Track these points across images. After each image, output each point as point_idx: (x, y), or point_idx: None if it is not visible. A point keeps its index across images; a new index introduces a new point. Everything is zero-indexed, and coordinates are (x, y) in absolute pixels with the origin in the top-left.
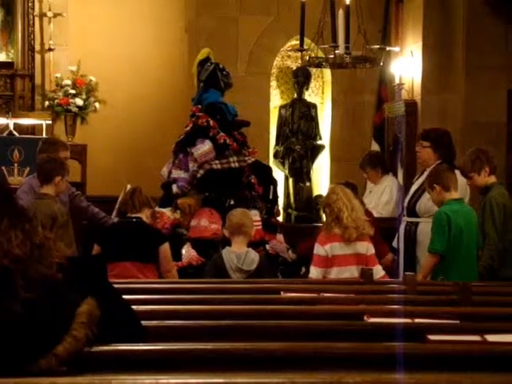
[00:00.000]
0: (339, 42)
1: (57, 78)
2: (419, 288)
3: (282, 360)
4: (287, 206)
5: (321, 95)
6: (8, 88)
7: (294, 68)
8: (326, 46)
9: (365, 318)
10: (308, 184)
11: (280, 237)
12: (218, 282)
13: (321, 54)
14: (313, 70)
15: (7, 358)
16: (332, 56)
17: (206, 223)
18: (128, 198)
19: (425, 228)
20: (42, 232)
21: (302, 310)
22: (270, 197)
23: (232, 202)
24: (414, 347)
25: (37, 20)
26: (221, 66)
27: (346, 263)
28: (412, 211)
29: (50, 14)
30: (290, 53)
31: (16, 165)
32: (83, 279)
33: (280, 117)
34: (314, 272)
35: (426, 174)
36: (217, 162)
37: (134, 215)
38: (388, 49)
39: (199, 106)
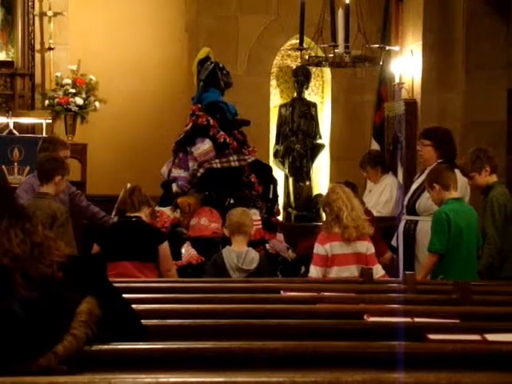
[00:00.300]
0: (339, 41)
1: (57, 77)
2: (419, 287)
3: (281, 359)
4: (287, 205)
5: (321, 94)
6: (8, 87)
7: (294, 67)
8: (326, 45)
9: (365, 317)
10: (308, 183)
11: (280, 236)
12: (217, 281)
13: (320, 53)
14: (313, 69)
15: (7, 357)
16: (332, 55)
17: (206, 222)
18: (127, 197)
19: (424, 226)
20: (42, 231)
21: (301, 309)
22: (270, 196)
23: (232, 201)
24: (413, 346)
25: (37, 19)
26: (221, 65)
27: (345, 262)
28: (412, 209)
29: (50, 13)
30: (289, 52)
31: (16, 164)
32: (83, 278)
33: (280, 116)
34: (314, 271)
35: (426, 172)
36: (217, 161)
37: (133, 214)
38: (388, 48)
39: (199, 105)
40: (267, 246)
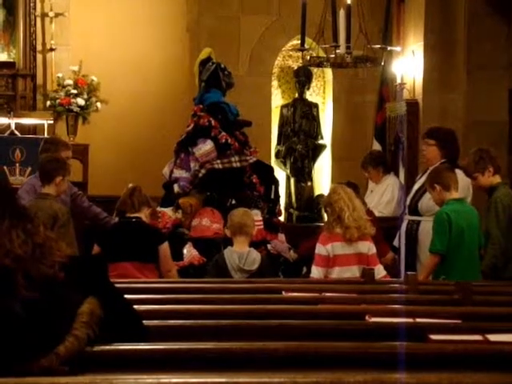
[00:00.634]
0: (340, 42)
1: (58, 77)
2: (420, 287)
3: (283, 359)
4: (289, 205)
5: (322, 95)
6: (10, 88)
7: (296, 67)
8: (328, 45)
9: (366, 317)
10: (309, 184)
11: (281, 236)
12: (219, 282)
13: (322, 54)
14: (314, 70)
15: (9, 358)
16: (333, 55)
17: (208, 223)
18: (127, 198)
19: (426, 227)
20: (44, 232)
21: (303, 309)
22: (272, 196)
23: (233, 202)
24: (415, 347)
25: (38, 20)
26: (222, 65)
27: (347, 263)
28: (414, 210)
29: (51, 13)
30: (291, 52)
31: (18, 165)
32: (85, 279)
33: (281, 116)
34: (316, 272)
35: (428, 172)
36: (218, 161)
37: (133, 215)
38: (389, 48)
39: (201, 106)
40: (269, 246)
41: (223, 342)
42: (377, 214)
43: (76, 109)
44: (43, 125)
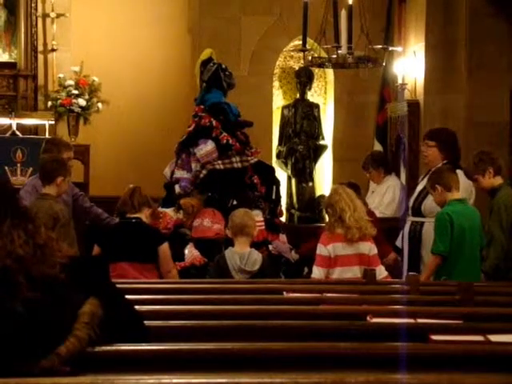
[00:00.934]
0: (342, 42)
1: (60, 78)
2: (422, 288)
3: (284, 360)
4: (290, 206)
5: (323, 95)
6: (11, 88)
7: (297, 68)
8: (329, 46)
9: (368, 318)
10: (311, 184)
11: (283, 237)
12: (220, 283)
13: (323, 54)
14: (315, 70)
15: (10, 358)
16: (335, 56)
17: (209, 223)
18: (127, 199)
19: (430, 228)
20: (45, 232)
21: (304, 310)
22: (273, 197)
23: (235, 202)
24: (416, 347)
25: (40, 20)
26: (223, 66)
27: (348, 263)
28: (417, 211)
29: (52, 14)
30: (292, 53)
31: (19, 165)
32: (86, 279)
33: (283, 117)
34: (317, 272)
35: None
36: (219, 162)
37: (133, 215)
38: (391, 49)
39: (202, 107)
40: (270, 247)
41: (224, 343)
42: (378, 214)
43: (77, 109)
44: (44, 125)
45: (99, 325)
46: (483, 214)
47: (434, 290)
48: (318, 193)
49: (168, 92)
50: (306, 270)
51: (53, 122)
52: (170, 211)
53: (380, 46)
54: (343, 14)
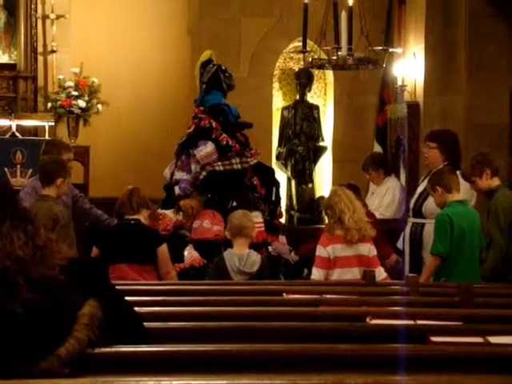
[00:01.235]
0: (342, 44)
1: (59, 79)
2: (421, 290)
3: (284, 361)
4: (290, 207)
5: (323, 97)
6: (11, 90)
7: (297, 69)
8: (329, 47)
9: (367, 319)
10: (310, 186)
11: (282, 238)
12: (220, 284)
13: (323, 56)
14: (315, 72)
15: (10, 360)
16: (335, 57)
17: (209, 225)
18: (126, 200)
19: (431, 229)
20: (45, 233)
21: (304, 311)
22: (273, 198)
23: (234, 204)
24: (416, 349)
25: (39, 22)
26: (223, 67)
27: (347, 265)
28: (418, 212)
29: (52, 15)
30: (292, 54)
31: (19, 166)
32: (85, 281)
33: (282, 118)
34: (316, 273)
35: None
36: (219, 163)
37: (131, 217)
38: (390, 50)
39: (202, 108)
40: (270, 248)
41: (224, 344)
42: (378, 216)
43: (77, 111)
44: (44, 127)
45: (99, 326)
46: (483, 215)
47: (434, 292)
48: (317, 194)
49: (168, 93)
50: (305, 271)
51: (52, 124)
52: (169, 213)
53: (380, 48)
54: (343, 15)
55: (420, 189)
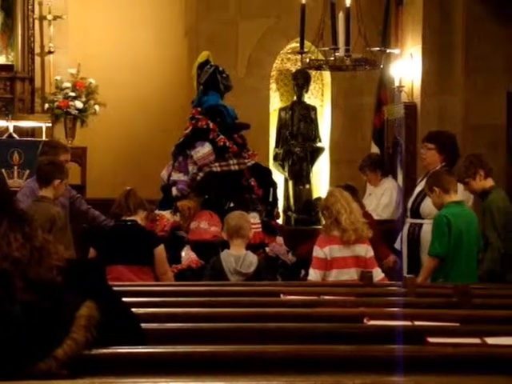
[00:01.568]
0: (339, 45)
1: (57, 80)
2: (419, 290)
3: (281, 363)
4: (287, 208)
5: (320, 97)
6: (8, 91)
7: (294, 70)
8: (326, 48)
9: (364, 320)
10: (308, 186)
11: (280, 239)
12: (217, 285)
13: (321, 57)
14: (312, 73)
15: (7, 361)
16: (332, 58)
17: (206, 226)
18: (122, 201)
19: (428, 229)
20: (42, 235)
21: (301, 312)
22: (270, 199)
23: (232, 205)
24: (413, 350)
25: (37, 23)
26: (220, 68)
27: (345, 265)
28: (416, 213)
29: (49, 16)
30: (289, 55)
31: (16, 167)
32: (83, 282)
33: (280, 119)
34: (313, 274)
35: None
36: (216, 164)
37: (128, 218)
38: (388, 51)
39: (199, 109)
40: (267, 249)
41: (221, 345)
42: (375, 216)
43: (74, 112)
44: (41, 128)
45: (96, 327)
46: (479, 216)
47: (431, 293)
48: (314, 195)
49: (165, 94)
50: (302, 272)
51: (50, 125)
52: (166, 214)
53: (377, 49)
54: (341, 16)
55: (418, 189)
